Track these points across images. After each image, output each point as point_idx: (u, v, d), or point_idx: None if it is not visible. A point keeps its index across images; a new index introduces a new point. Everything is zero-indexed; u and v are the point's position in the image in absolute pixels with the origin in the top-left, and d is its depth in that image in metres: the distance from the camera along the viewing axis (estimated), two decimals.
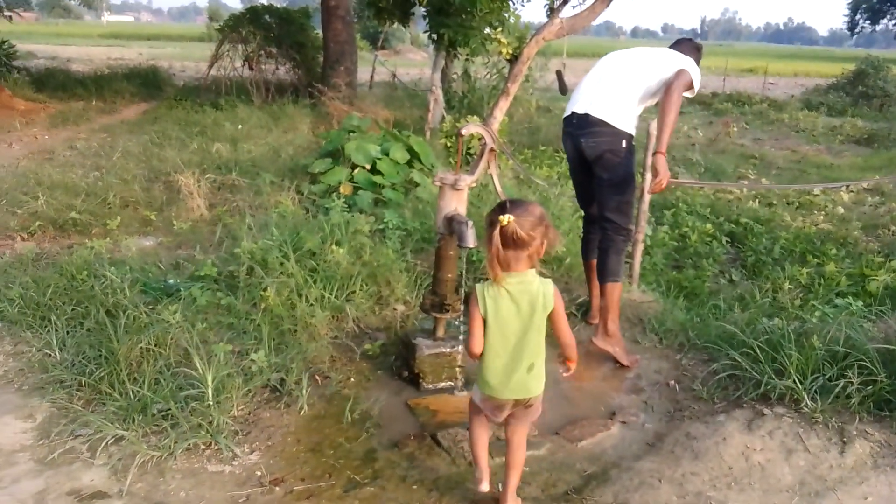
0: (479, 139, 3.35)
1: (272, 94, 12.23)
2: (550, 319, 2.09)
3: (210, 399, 2.62)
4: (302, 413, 2.80)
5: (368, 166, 6.06)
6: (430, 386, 3.07)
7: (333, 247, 3.81)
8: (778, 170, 10.40)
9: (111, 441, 2.51)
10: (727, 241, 6.50)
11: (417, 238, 4.47)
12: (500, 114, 5.92)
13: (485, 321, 2.08)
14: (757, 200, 8.01)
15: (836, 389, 2.70)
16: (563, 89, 4.78)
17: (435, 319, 3.12)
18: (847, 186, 8.97)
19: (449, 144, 7.89)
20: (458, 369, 3.10)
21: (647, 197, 4.98)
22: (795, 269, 5.46)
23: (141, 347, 2.93)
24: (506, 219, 1.91)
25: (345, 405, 2.84)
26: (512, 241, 1.95)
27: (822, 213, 7.65)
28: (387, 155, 6.17)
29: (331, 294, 3.56)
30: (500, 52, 10.17)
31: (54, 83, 13.42)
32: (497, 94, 7.46)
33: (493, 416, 2.21)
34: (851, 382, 2.68)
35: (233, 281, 3.70)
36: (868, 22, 56.91)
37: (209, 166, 6.80)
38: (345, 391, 3.01)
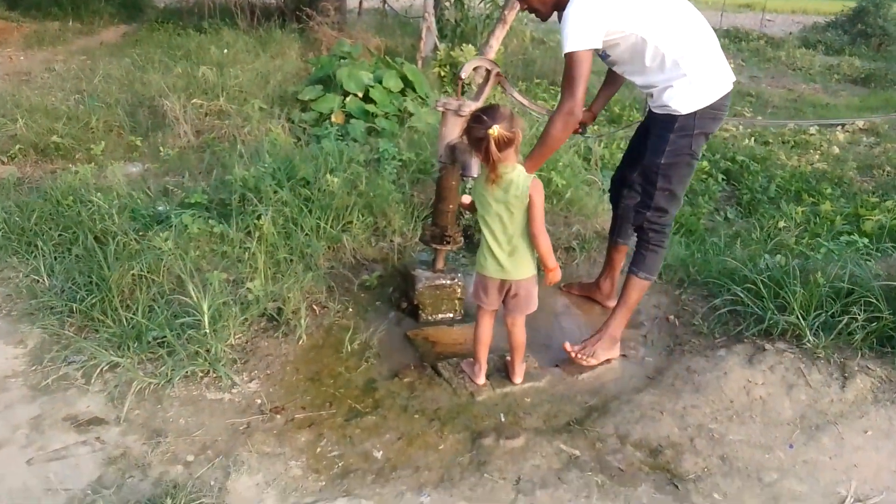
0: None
1: (258, 17, 11.70)
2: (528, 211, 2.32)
3: (206, 327, 2.56)
4: (300, 343, 2.76)
5: (361, 94, 5.85)
6: (430, 317, 3.03)
7: (328, 175, 3.69)
8: (774, 108, 10.29)
9: (106, 368, 2.47)
10: (723, 179, 6.46)
11: (413, 169, 4.35)
12: (496, 43, 5.66)
13: (473, 205, 2.47)
14: (753, 139, 7.93)
15: (839, 326, 2.69)
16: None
17: (435, 251, 3.05)
18: (843, 126, 8.91)
19: (443, 74, 7.65)
20: (457, 301, 3.06)
21: None
22: (791, 207, 5.44)
23: (133, 274, 2.85)
24: (495, 130, 2.18)
25: (343, 335, 2.80)
26: (504, 144, 2.22)
27: (818, 152, 7.60)
28: (380, 83, 5.96)
29: (327, 224, 3.47)
30: None
31: (27, 1, 12.75)
32: (492, 23, 7.17)
33: (485, 298, 2.47)
34: (855, 319, 2.67)
35: (225, 209, 3.59)
36: None
37: (195, 91, 6.52)
38: (343, 321, 2.96)
